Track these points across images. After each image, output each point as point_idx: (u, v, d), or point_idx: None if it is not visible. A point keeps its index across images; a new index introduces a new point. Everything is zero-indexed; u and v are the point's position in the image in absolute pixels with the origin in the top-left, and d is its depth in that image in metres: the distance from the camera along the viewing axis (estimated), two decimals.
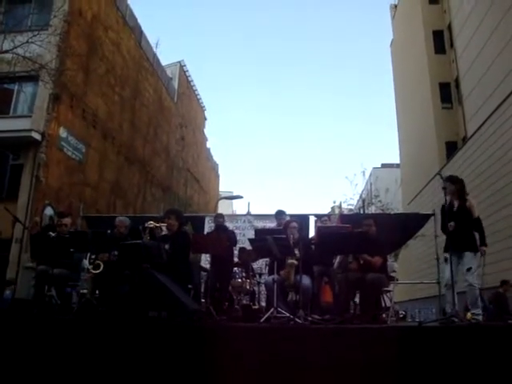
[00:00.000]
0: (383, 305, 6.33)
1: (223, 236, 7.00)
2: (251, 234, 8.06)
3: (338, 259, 6.63)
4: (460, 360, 3.89)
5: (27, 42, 12.03)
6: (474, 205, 5.72)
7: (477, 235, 5.62)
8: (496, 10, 17.84)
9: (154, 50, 24.29)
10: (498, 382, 3.80)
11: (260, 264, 8.17)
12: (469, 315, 6.11)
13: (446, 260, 5.69)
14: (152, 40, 23.80)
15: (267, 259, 6.76)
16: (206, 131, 35.31)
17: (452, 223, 5.49)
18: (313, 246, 6.20)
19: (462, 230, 5.46)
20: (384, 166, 43.31)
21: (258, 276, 7.90)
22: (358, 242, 5.51)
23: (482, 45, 19.14)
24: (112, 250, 6.11)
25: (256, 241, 5.99)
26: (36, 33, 12.42)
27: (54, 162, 14.78)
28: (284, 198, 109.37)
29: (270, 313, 5.14)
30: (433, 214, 8.89)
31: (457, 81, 23.65)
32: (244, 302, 7.23)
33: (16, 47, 11.95)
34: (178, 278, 5.48)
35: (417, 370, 3.88)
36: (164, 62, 26.07)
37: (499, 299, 10.73)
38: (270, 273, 6.56)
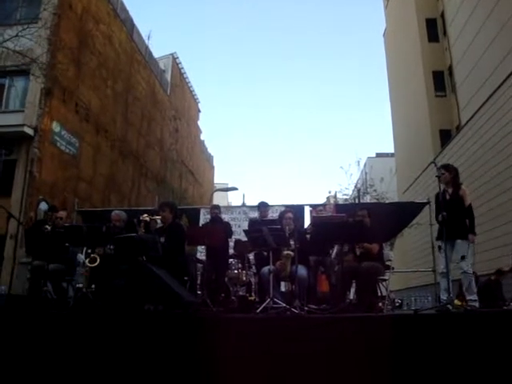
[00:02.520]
0: (379, 293, 6.35)
1: (219, 227, 7.00)
2: (246, 226, 8.06)
3: (335, 250, 6.64)
4: (456, 347, 3.91)
5: (17, 35, 11.88)
6: (467, 193, 5.76)
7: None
8: None
9: (146, 42, 24.17)
10: (494, 368, 3.82)
11: None
12: (456, 301, 6.17)
13: (439, 248, 5.73)
14: (144, 32, 23.68)
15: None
16: (200, 123, 35.27)
17: (444, 213, 5.52)
18: (308, 236, 6.20)
19: (455, 218, 5.49)
20: (378, 155, 43.35)
21: (253, 267, 7.90)
22: (353, 231, 5.53)
23: (475, 33, 19.11)
24: (107, 244, 6.10)
25: (251, 232, 5.99)
26: (26, 26, 12.26)
27: (48, 157, 14.70)
28: (279, 188, 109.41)
29: (266, 303, 5.15)
30: (428, 203, 8.92)
31: (450, 69, 23.64)
32: (240, 293, 7.23)
33: (5, 41, 11.81)
34: (173, 270, 5.47)
35: (413, 358, 3.89)
36: (156, 54, 25.95)
37: (490, 286, 10.83)
38: (258, 264, 6.58)
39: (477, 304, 5.43)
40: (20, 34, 11.93)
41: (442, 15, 24.69)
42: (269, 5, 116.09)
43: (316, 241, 6.00)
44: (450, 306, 5.11)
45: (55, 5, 14.59)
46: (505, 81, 15.16)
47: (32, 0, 14.98)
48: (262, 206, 7.64)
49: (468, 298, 5.48)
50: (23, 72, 13.72)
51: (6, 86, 14.90)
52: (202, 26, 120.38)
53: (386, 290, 6.31)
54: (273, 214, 7.81)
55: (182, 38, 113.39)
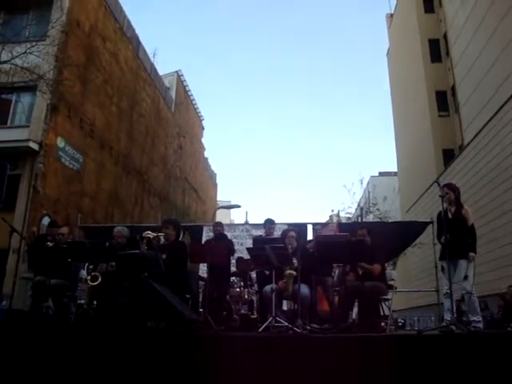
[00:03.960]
0: (382, 313, 6.31)
1: (221, 244, 6.98)
2: (249, 243, 8.04)
3: (336, 273, 6.61)
4: (460, 368, 3.87)
5: (25, 52, 12.05)
6: (470, 212, 5.74)
7: None
8: (491, 19, 18.01)
9: (152, 59, 24.43)
10: None
11: None
12: None
13: (442, 268, 5.70)
14: (149, 49, 23.96)
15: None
16: (204, 140, 35.44)
17: (447, 235, 5.50)
18: (311, 250, 6.18)
19: (457, 237, 5.47)
20: (382, 174, 43.43)
21: (255, 285, 7.86)
22: (355, 251, 5.51)
23: (478, 53, 19.29)
24: (110, 261, 6.09)
25: (254, 250, 5.98)
26: (34, 43, 12.42)
27: (52, 172, 14.77)
28: (282, 206, 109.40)
29: (268, 322, 5.12)
30: (431, 222, 8.88)
31: (453, 89, 23.80)
32: (242, 311, 7.19)
33: (14, 58, 11.97)
34: (175, 287, 5.46)
35: (416, 379, 3.85)
36: (161, 71, 26.21)
37: (509, 305, 10.72)
38: (260, 283, 6.54)
39: (481, 325, 5.38)
40: (28, 51, 12.09)
41: (445, 36, 24.94)
42: (272, 22, 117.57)
43: (318, 259, 5.98)
44: (453, 327, 5.07)
45: (63, 23, 14.79)
46: (507, 101, 15.26)
47: (41, 18, 15.23)
48: (268, 223, 7.61)
49: (472, 318, 5.43)
50: (30, 88, 13.87)
51: (13, 102, 15.04)
52: (207, 44, 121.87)
53: (389, 309, 6.27)
54: (276, 233, 7.78)
55: (187, 56, 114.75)
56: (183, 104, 29.76)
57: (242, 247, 8.78)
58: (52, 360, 4.26)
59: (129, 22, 21.27)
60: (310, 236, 9.05)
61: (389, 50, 35.89)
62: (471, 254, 5.49)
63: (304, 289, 5.49)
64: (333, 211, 24.11)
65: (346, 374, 3.88)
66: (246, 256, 7.00)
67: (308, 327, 5.17)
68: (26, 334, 4.68)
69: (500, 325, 9.58)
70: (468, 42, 20.55)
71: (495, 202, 15.54)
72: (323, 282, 6.51)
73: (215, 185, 39.61)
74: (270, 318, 5.15)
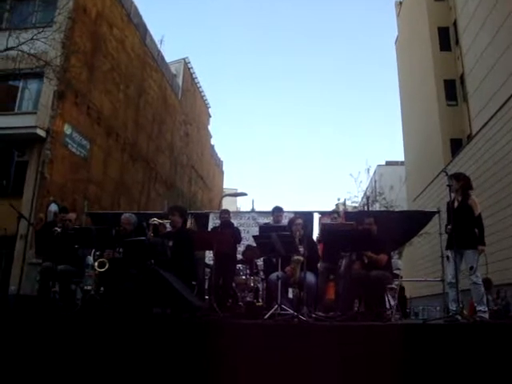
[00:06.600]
0: (387, 302, 6.32)
1: (227, 232, 6.99)
2: (255, 231, 8.04)
3: (343, 262, 6.61)
4: (464, 358, 3.87)
5: (32, 39, 12.07)
6: (477, 202, 5.70)
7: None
8: (501, 7, 17.75)
9: (159, 46, 24.32)
10: (502, 380, 3.78)
11: None
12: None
13: (447, 258, 5.69)
14: (156, 37, 23.83)
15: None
16: (211, 128, 35.38)
17: (449, 226, 5.49)
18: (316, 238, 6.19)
19: (463, 227, 5.44)
20: (388, 163, 43.20)
21: (261, 273, 7.89)
22: (361, 240, 5.51)
23: (488, 42, 19.04)
24: (117, 247, 6.13)
25: (260, 237, 5.98)
26: (41, 30, 12.45)
27: (59, 159, 14.83)
28: (288, 195, 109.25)
29: (273, 310, 5.14)
30: (437, 212, 8.86)
31: (462, 78, 23.55)
32: (248, 298, 7.23)
33: (21, 44, 11.99)
34: (181, 274, 5.48)
35: (421, 368, 3.86)
36: (168, 58, 26.10)
37: None
38: (267, 270, 6.55)
39: (486, 315, 5.37)
40: (35, 37, 12.11)
41: (455, 24, 24.62)
42: (281, 12, 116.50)
43: (327, 248, 5.99)
44: (458, 317, 5.07)
45: (70, 9, 14.78)
46: None
47: (47, 4, 15.20)
48: (276, 211, 7.58)
49: (478, 308, 5.42)
50: (37, 75, 13.89)
51: (20, 89, 15.07)
52: (214, 29, 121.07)
53: (394, 298, 6.28)
54: (284, 220, 7.78)
55: (194, 42, 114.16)
56: (190, 91, 29.67)
57: (248, 235, 8.79)
58: (59, 345, 4.31)
59: (136, 8, 21.17)
60: (315, 224, 9.06)
61: (397, 38, 35.52)
62: (480, 247, 5.46)
63: (310, 276, 5.50)
64: (339, 200, 24.04)
65: (351, 363, 3.90)
66: (253, 244, 7.01)
67: (313, 315, 5.18)
68: (34, 320, 4.73)
69: None
70: (478, 31, 20.28)
71: (503, 191, 15.43)
72: (334, 269, 6.49)
73: (222, 172, 39.59)
74: (276, 306, 5.17)
